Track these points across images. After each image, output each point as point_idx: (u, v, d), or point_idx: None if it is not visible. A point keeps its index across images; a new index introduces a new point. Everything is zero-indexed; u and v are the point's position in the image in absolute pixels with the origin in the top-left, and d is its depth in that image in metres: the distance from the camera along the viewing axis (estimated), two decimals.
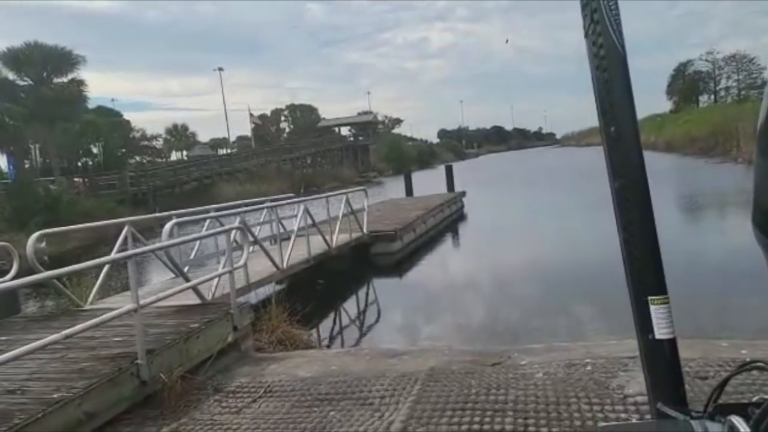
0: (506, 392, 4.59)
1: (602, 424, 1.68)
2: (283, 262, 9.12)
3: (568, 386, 4.56)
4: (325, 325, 8.96)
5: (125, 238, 7.73)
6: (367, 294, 11.34)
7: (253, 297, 8.07)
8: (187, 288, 6.17)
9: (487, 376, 4.97)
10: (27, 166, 38.39)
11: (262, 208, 10.75)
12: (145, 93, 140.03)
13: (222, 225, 8.99)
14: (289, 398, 4.91)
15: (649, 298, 1.15)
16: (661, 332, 1.14)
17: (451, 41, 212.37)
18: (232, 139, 78.00)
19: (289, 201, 11.39)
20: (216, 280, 7.00)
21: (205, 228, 9.40)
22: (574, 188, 25.12)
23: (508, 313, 8.87)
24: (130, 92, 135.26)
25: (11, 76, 27.48)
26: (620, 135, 1.15)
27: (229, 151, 67.33)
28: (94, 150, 64.78)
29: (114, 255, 4.85)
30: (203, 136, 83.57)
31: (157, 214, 9.48)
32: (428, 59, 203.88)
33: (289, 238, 9.74)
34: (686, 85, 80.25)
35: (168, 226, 6.20)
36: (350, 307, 10.35)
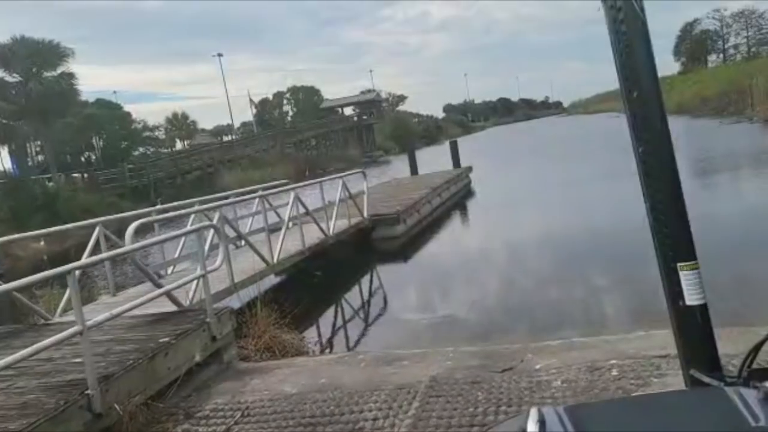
0: (518, 408, 3.90)
1: (636, 393, 1.65)
2: (274, 256, 8.44)
3: (592, 398, 3.87)
4: (324, 322, 8.29)
5: (97, 241, 7.07)
6: (370, 283, 10.67)
7: (238, 298, 7.39)
8: (159, 295, 5.51)
9: (497, 386, 4.28)
10: (30, 164, 37.97)
11: (254, 198, 10.03)
12: (151, 84, 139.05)
13: (209, 219, 8.30)
14: (268, 424, 4.25)
15: (678, 264, 1.13)
16: (691, 298, 1.12)
17: (453, 13, 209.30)
18: (237, 125, 77.39)
19: (280, 189, 10.66)
20: (195, 283, 6.33)
21: (190, 222, 8.73)
22: (584, 159, 24.21)
23: (521, 299, 8.16)
24: (136, 84, 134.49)
25: (0, 73, 26.79)
26: (643, 100, 1.14)
27: (232, 137, 66.64)
28: (95, 144, 64.70)
29: (57, 269, 4.15)
30: (209, 124, 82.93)
31: (131, 213, 8.75)
32: (430, 33, 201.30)
33: (281, 229, 9.08)
34: (694, 45, 78.31)
35: (131, 228, 5.51)
36: (352, 298, 9.68)
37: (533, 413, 0.86)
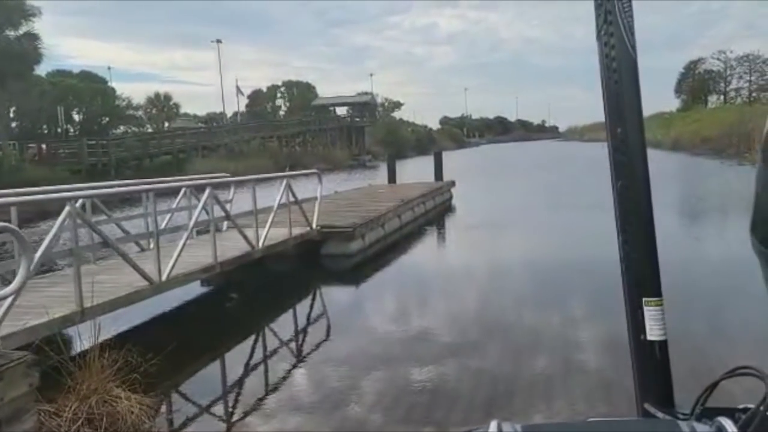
0: None
1: (591, 418, 1.06)
2: (161, 273, 6.27)
3: None
4: (215, 370, 6.12)
5: None
6: (311, 308, 8.55)
7: (93, 330, 5.22)
8: None
9: None
10: None
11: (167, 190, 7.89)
12: (150, 65, 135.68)
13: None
14: None
15: (644, 299, 1.16)
16: (653, 333, 1.15)
17: (461, 28, 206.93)
18: (229, 114, 74.77)
19: (219, 181, 8.49)
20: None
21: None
22: (579, 185, 22.28)
23: (485, 362, 6.07)
24: (134, 63, 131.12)
25: None
26: (626, 137, 1.17)
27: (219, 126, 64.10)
28: (76, 117, 62.04)
29: None
30: (202, 111, 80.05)
31: None
32: (436, 45, 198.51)
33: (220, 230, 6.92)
34: (696, 83, 77.85)
35: None
36: (273, 333, 7.55)
37: (493, 426, 0.86)
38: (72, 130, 57.96)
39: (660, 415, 1.10)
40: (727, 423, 0.90)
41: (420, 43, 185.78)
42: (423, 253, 12.62)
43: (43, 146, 30.85)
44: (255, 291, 8.87)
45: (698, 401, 1.06)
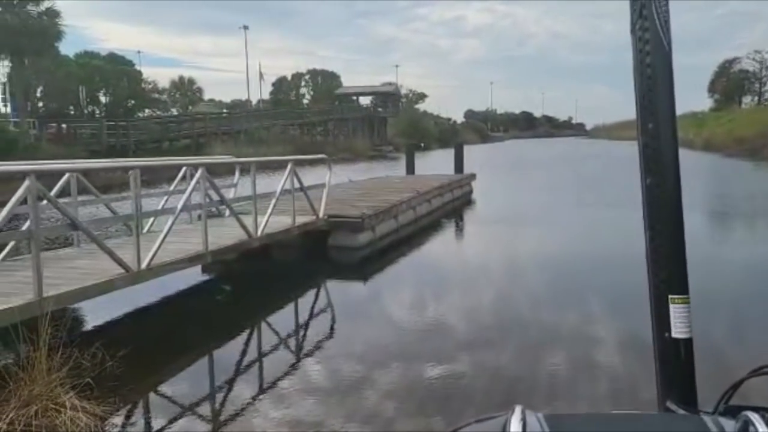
0: None
1: (615, 411, 1.15)
2: (140, 260, 5.65)
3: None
4: (195, 373, 5.48)
5: None
6: (314, 303, 7.89)
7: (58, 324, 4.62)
8: None
9: None
10: (29, 109, 35.43)
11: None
12: (174, 50, 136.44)
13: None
14: None
15: (670, 296, 1.15)
16: (678, 331, 1.14)
17: (488, 21, 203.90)
18: (254, 102, 74.38)
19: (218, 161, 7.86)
20: None
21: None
22: (607, 182, 21.33)
23: (502, 363, 5.36)
24: (158, 48, 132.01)
25: None
26: (658, 133, 1.15)
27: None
28: (102, 99, 62.19)
29: None
30: (228, 98, 79.89)
31: None
32: (462, 38, 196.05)
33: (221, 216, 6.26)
34: (730, 83, 75.63)
35: None
36: (267, 330, 6.92)
37: (517, 412, 0.85)
38: (98, 111, 58.14)
39: (682, 413, 1.09)
40: (754, 417, 0.85)
41: (446, 35, 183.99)
42: (438, 248, 11.88)
43: (63, 126, 30.63)
44: (253, 282, 8.26)
45: (722, 399, 1.07)
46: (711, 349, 4.78)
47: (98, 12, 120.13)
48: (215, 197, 7.61)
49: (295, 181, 8.85)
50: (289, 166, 8.58)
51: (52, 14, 25.58)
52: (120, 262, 5.44)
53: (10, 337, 4.16)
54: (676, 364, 1.14)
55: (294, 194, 8.77)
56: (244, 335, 6.58)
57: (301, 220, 9.03)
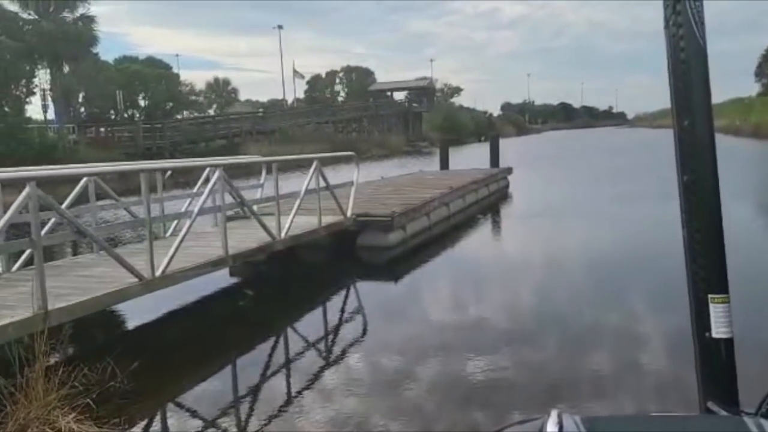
0: None
1: (653, 413, 1.41)
2: (155, 267, 5.40)
3: None
4: (212, 388, 5.21)
5: None
6: (343, 306, 7.57)
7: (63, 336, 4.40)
8: None
9: None
10: (72, 114, 36.21)
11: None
12: (211, 52, 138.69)
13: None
14: None
15: (710, 296, 1.11)
16: (719, 331, 1.10)
17: (524, 13, 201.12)
18: (290, 100, 74.80)
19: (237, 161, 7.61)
20: None
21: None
22: (651, 175, 20.49)
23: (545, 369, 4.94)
24: (196, 50, 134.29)
25: (14, 8, 24.52)
26: (694, 129, 1.11)
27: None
28: (141, 103, 63.34)
29: None
30: (264, 98, 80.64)
31: None
32: (498, 30, 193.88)
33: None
34: None
35: None
36: (298, 334, 6.64)
37: (553, 416, 0.84)
38: (138, 115, 59.26)
39: (723, 414, 1.05)
40: None
41: (481, 28, 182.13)
42: (472, 246, 11.43)
43: (101, 130, 31.13)
44: (281, 285, 8.00)
45: (765, 400, 1.03)
46: (755, 349, 4.39)
47: (138, 18, 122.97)
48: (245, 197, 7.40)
49: (321, 180, 8.55)
50: (314, 165, 8.27)
51: (87, 20, 25.96)
52: (132, 270, 5.21)
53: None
54: (717, 365, 1.12)
55: (320, 194, 8.47)
56: (270, 342, 6.29)
57: (327, 220, 8.73)
